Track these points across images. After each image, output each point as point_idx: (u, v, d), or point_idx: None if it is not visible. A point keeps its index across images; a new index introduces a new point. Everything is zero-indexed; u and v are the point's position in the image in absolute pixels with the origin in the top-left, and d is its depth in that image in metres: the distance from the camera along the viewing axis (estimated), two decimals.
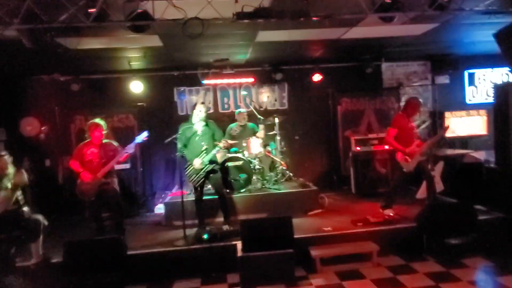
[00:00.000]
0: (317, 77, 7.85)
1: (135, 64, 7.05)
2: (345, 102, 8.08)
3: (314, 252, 4.77)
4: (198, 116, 5.21)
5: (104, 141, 5.30)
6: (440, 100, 8.32)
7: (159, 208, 6.92)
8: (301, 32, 5.18)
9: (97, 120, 5.31)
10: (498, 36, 5.16)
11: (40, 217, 4.48)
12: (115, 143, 5.43)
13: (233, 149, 6.65)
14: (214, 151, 5.11)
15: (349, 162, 7.52)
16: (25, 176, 4.04)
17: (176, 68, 7.58)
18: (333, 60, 7.82)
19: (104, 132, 5.27)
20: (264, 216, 5.72)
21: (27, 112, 7.36)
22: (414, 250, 4.94)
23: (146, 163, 7.70)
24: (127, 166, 7.22)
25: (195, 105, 5.38)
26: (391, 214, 5.52)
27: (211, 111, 7.91)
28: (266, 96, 8.12)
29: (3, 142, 7.10)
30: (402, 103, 7.98)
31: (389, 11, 3.38)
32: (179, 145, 5.22)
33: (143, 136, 5.25)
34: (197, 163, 5.13)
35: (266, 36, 5.30)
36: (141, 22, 3.31)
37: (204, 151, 5.14)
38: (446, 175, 6.51)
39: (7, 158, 4.24)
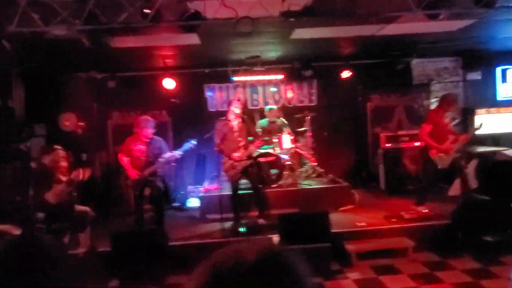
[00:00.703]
0: (346, 74, 7.86)
1: (169, 62, 7.23)
2: (374, 98, 8.08)
3: (350, 247, 4.85)
4: (234, 113, 5.33)
5: (153, 137, 5.42)
6: (471, 97, 8.21)
7: (192, 202, 7.11)
8: (337, 29, 5.24)
9: (147, 117, 5.46)
10: None
11: (88, 209, 4.70)
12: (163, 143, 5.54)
13: (265, 146, 6.76)
14: (251, 147, 5.23)
15: (378, 159, 7.54)
16: (81, 174, 4.25)
17: (207, 65, 7.73)
18: (363, 56, 7.81)
19: (153, 129, 5.39)
20: (297, 211, 5.81)
21: (66, 108, 7.63)
22: (449, 247, 4.96)
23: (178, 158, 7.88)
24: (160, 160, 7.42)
25: (231, 101, 5.52)
26: (426, 211, 5.54)
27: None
28: (291, 93, 8.18)
29: (43, 137, 7.41)
30: (433, 100, 7.95)
31: (436, 8, 3.41)
32: (216, 140, 5.37)
33: (191, 143, 5.39)
34: (235, 158, 5.27)
35: (302, 33, 5.37)
36: (195, 22, 3.45)
37: (242, 147, 5.28)
38: (479, 172, 6.46)
39: (61, 152, 4.46)
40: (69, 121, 7.71)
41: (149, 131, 5.39)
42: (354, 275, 4.52)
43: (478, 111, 7.84)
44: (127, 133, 7.10)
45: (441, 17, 3.54)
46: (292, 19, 3.41)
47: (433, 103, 7.83)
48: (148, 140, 5.41)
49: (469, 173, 5.96)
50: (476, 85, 8.26)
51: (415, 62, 8.19)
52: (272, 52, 6.92)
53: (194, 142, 5.39)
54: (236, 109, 5.33)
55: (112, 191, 7.41)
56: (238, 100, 5.82)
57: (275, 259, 0.68)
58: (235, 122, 5.38)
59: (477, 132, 5.72)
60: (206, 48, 6.09)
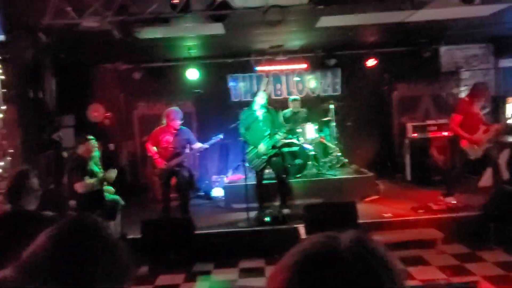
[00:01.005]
0: (371, 62, 7.72)
1: (193, 52, 7.26)
2: (401, 87, 7.90)
3: (376, 238, 4.79)
4: (260, 103, 5.33)
5: (180, 128, 5.49)
6: (502, 84, 7.92)
7: (216, 192, 7.19)
8: (364, 16, 5.13)
9: (176, 108, 5.53)
10: None
11: (117, 197, 4.82)
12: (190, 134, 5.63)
13: (289, 136, 6.73)
14: (276, 137, 5.23)
15: (404, 149, 7.40)
16: (114, 174, 4.36)
17: (230, 55, 7.73)
18: (389, 44, 7.63)
19: (181, 120, 5.46)
20: (322, 201, 5.79)
21: (93, 99, 7.80)
22: (479, 239, 4.85)
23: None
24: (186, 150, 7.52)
25: (256, 92, 5.51)
26: (454, 202, 5.43)
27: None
28: (313, 82, 8.09)
29: (72, 127, 7.60)
30: (462, 88, 7.71)
31: None
32: (242, 130, 5.39)
33: (217, 138, 5.45)
34: (261, 147, 5.28)
35: (328, 21, 5.29)
36: (224, 11, 3.45)
37: (267, 136, 5.28)
38: (511, 163, 6.27)
39: (93, 142, 4.57)
40: (97, 112, 7.90)
41: (178, 122, 5.47)
42: None
43: (510, 99, 7.57)
44: (153, 123, 7.22)
45: (477, 1, 3.41)
46: (321, 7, 3.36)
47: (463, 92, 7.61)
48: (176, 131, 5.49)
49: (501, 164, 5.77)
50: (508, 72, 7.95)
51: (443, 49, 7.95)
52: (296, 41, 6.85)
53: (221, 136, 5.45)
54: (261, 99, 5.32)
55: (138, 180, 7.57)
56: (264, 90, 5.80)
57: (367, 246, 0.69)
58: (260, 112, 5.37)
59: (509, 121, 5.52)
60: (230, 38, 6.08)
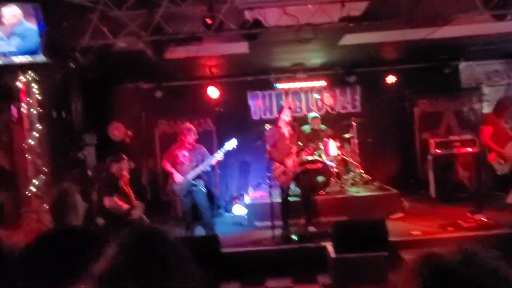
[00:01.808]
0: (391, 79, 7.73)
1: (214, 71, 7.37)
2: (422, 103, 7.87)
3: (406, 256, 4.69)
4: (285, 120, 5.35)
5: (196, 145, 5.57)
6: None
7: (237, 209, 7.15)
8: (387, 33, 5.17)
9: (189, 125, 5.61)
10: None
11: (143, 215, 4.83)
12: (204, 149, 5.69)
13: (317, 152, 6.69)
14: (303, 154, 5.22)
15: (428, 166, 7.30)
16: (140, 212, 4.42)
17: (250, 74, 7.82)
18: (408, 61, 7.66)
19: (195, 137, 5.55)
20: (349, 219, 5.71)
21: (115, 118, 7.92)
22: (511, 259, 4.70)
23: (222, 165, 7.98)
24: (208, 168, 7.53)
25: (282, 109, 5.54)
26: (484, 219, 5.30)
27: None
28: (331, 99, 8.08)
29: (94, 145, 7.70)
30: (484, 104, 7.65)
31: (505, 8, 3.30)
32: (268, 147, 5.39)
33: (232, 144, 5.49)
34: (288, 163, 5.26)
35: (351, 39, 5.34)
36: (257, 30, 3.51)
37: (293, 154, 5.27)
38: None
39: (126, 162, 4.62)
40: (117, 130, 8.00)
41: (192, 138, 5.53)
42: None
43: None
44: (174, 141, 7.28)
45: (509, 18, 3.41)
46: (351, 24, 3.39)
47: (485, 107, 7.54)
48: (191, 147, 5.55)
49: None
50: None
51: (463, 65, 7.94)
52: (317, 59, 6.92)
53: (235, 141, 5.45)
54: (286, 116, 5.34)
55: (159, 197, 7.58)
56: (290, 108, 5.83)
57: (480, 258, 0.71)
58: (285, 129, 5.38)
59: None
60: (252, 56, 6.17)
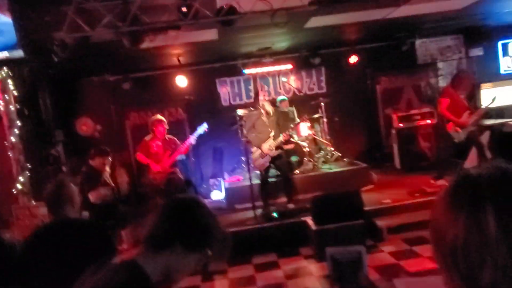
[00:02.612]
0: (353, 59, 8.05)
1: (181, 59, 7.35)
2: (383, 81, 8.28)
3: (380, 223, 5.07)
4: (262, 103, 5.51)
5: (167, 137, 5.67)
6: (475, 72, 8.44)
7: (216, 195, 7.29)
8: (350, 15, 5.41)
9: (159, 116, 5.70)
10: None
11: (128, 207, 4.87)
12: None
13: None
14: (280, 138, 5.41)
15: (392, 139, 7.76)
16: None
17: (218, 60, 7.87)
18: (368, 40, 8.00)
19: (166, 127, 5.64)
20: (328, 193, 5.99)
21: (82, 113, 7.74)
22: None
23: (195, 153, 8.05)
24: (182, 157, 7.58)
25: (257, 93, 5.69)
26: (446, 184, 5.76)
27: (252, 100, 8.19)
28: (299, 82, 8.33)
29: (61, 142, 7.51)
30: (441, 77, 8.18)
31: None
32: (245, 131, 5.54)
33: (203, 127, 5.64)
34: (265, 147, 5.44)
35: (316, 21, 5.53)
36: (234, 17, 3.60)
37: (271, 137, 5.45)
38: (491, 144, 6.70)
39: (109, 156, 4.61)
40: (86, 126, 7.83)
41: (163, 128, 5.63)
42: (388, 248, 4.74)
43: (483, 85, 8.09)
44: (146, 132, 7.26)
45: None
46: (316, 7, 3.56)
47: (440, 81, 8.07)
48: (162, 137, 5.65)
49: (484, 144, 6.18)
50: (479, 61, 8.49)
51: (418, 42, 8.40)
52: (282, 42, 7.07)
53: (205, 125, 5.63)
54: (263, 100, 5.50)
55: (135, 190, 7.56)
56: (262, 90, 5.97)
57: None
58: (264, 113, 5.54)
59: (490, 106, 5.94)
60: (221, 43, 6.23)
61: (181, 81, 7.78)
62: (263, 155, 5.47)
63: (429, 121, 7.29)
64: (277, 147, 5.49)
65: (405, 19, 6.59)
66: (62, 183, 2.53)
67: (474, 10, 6.48)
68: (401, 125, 7.43)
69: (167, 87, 7.85)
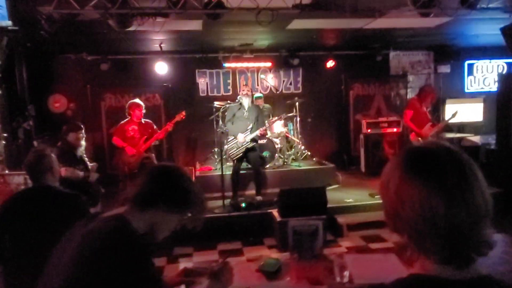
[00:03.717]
0: (330, 63, 8.37)
1: (163, 46, 7.39)
2: (356, 87, 8.65)
3: (341, 220, 5.38)
4: (243, 97, 5.69)
5: (143, 120, 5.75)
6: (442, 88, 8.98)
7: None
8: (331, 21, 5.67)
9: (137, 100, 5.77)
10: (505, 31, 5.78)
11: (99, 186, 4.92)
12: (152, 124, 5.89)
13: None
14: (256, 132, 5.60)
15: (359, 144, 8.13)
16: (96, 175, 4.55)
17: (199, 51, 7.97)
18: (346, 47, 8.34)
19: (143, 111, 5.72)
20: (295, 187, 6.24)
21: (56, 90, 7.63)
22: None
23: (169, 140, 8.13)
24: (156, 142, 7.64)
25: (241, 87, 5.87)
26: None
27: (230, 93, 8.36)
28: (276, 80, 8.57)
29: (32, 117, 7.38)
30: (410, 90, 8.63)
31: (429, 7, 3.92)
32: (221, 122, 5.71)
33: (181, 115, 5.78)
34: (240, 138, 5.63)
35: (298, 24, 5.76)
36: (221, 11, 3.75)
37: (249, 130, 5.64)
38: None
39: (83, 131, 4.63)
40: (58, 103, 7.74)
41: (140, 113, 5.72)
42: (346, 243, 5.06)
43: (448, 100, 8.63)
44: (121, 115, 7.26)
45: (431, 16, 4.06)
46: (299, 11, 3.78)
47: (409, 93, 8.53)
48: (139, 121, 5.74)
49: None
50: (446, 77, 9.03)
51: (392, 54, 8.82)
52: (264, 40, 7.27)
53: (183, 113, 5.78)
54: (245, 94, 5.67)
55: (105, 171, 7.53)
56: (245, 85, 6.15)
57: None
58: (244, 106, 5.72)
59: (451, 120, 6.38)
60: (204, 34, 6.35)
61: (161, 67, 7.82)
62: (237, 146, 5.66)
63: (395, 129, 7.70)
64: (252, 140, 5.69)
65: (381, 31, 6.95)
66: (43, 152, 2.61)
67: (445, 29, 6.92)
68: (369, 130, 7.81)
69: (146, 72, 7.88)
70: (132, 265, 1.23)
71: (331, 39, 7.60)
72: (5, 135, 3.67)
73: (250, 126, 5.66)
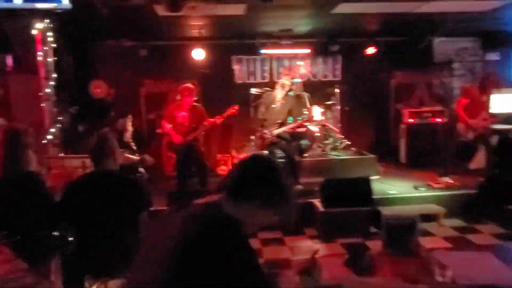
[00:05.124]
0: (371, 50, 8.07)
1: (201, 32, 7.32)
2: (398, 75, 8.33)
3: (385, 212, 5.20)
4: (283, 85, 5.56)
5: (194, 104, 5.68)
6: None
7: (221, 170, 7.40)
8: (379, 4, 5.43)
9: (189, 85, 5.68)
10: None
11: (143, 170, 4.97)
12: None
13: (290, 118, 6.99)
14: (283, 128, 5.48)
15: (400, 134, 7.86)
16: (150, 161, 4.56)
17: (235, 37, 7.86)
18: (388, 34, 8.01)
19: (194, 96, 5.65)
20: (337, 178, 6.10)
21: (96, 75, 7.73)
22: (476, 214, 5.35)
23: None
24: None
25: (282, 73, 5.74)
26: (451, 181, 5.92)
27: (266, 80, 8.23)
28: (308, 66, 8.35)
29: (77, 102, 7.51)
30: (454, 78, 8.25)
31: None
32: (260, 109, 5.61)
33: (233, 109, 5.68)
34: (268, 132, 5.54)
35: (344, 8, 5.55)
36: None
37: (278, 123, 5.53)
38: (497, 148, 6.83)
39: (130, 117, 4.67)
40: (99, 88, 7.84)
41: (191, 99, 5.64)
42: None
43: (495, 90, 8.17)
44: (160, 101, 7.29)
45: None
46: None
47: (454, 82, 8.15)
48: (190, 107, 5.66)
49: (492, 147, 6.31)
50: (494, 66, 8.54)
51: (437, 41, 8.41)
52: (305, 26, 7.07)
53: (236, 108, 5.68)
54: (283, 83, 5.54)
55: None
56: (287, 74, 5.99)
57: None
58: (280, 95, 5.59)
59: (501, 111, 6.04)
60: (245, 19, 6.23)
61: (198, 54, 7.76)
62: (262, 137, 5.56)
63: (439, 120, 7.39)
64: (278, 136, 5.58)
65: (427, 16, 6.61)
66: (106, 137, 2.61)
67: (498, 14, 6.51)
68: (411, 120, 7.52)
69: (183, 58, 7.83)
70: (237, 253, 1.19)
71: (373, 24, 7.31)
72: (60, 118, 3.72)
73: (280, 120, 5.53)
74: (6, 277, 1.64)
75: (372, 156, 6.94)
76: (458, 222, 5.27)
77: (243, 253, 1.22)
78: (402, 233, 2.32)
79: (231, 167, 1.45)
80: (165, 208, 4.78)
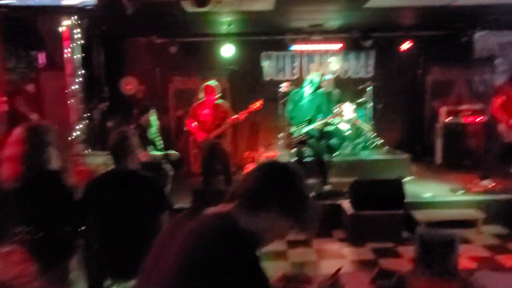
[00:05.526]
0: (406, 45, 7.71)
1: (229, 28, 7.25)
2: (435, 71, 7.92)
3: (419, 216, 4.94)
4: (309, 83, 5.40)
5: (217, 102, 5.64)
6: None
7: (248, 169, 7.31)
8: None
9: (212, 83, 5.65)
10: None
11: (168, 167, 4.95)
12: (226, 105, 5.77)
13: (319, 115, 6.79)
14: (311, 126, 5.31)
15: (436, 133, 7.48)
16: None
17: (264, 33, 7.74)
18: (425, 28, 7.63)
19: (218, 95, 5.61)
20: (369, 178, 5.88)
21: (127, 72, 7.83)
22: None
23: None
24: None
25: (310, 71, 5.58)
26: (492, 185, 5.55)
27: (296, 77, 8.06)
28: (340, 62, 8.08)
29: (107, 99, 7.66)
30: (497, 75, 7.76)
31: None
32: (288, 107, 5.48)
33: (256, 104, 5.60)
34: (295, 130, 5.39)
35: (378, 1, 5.30)
36: None
37: (306, 122, 5.37)
38: None
39: (154, 113, 4.67)
40: (130, 85, 7.95)
41: (214, 96, 5.60)
42: None
43: None
44: (188, 97, 7.27)
45: None
46: None
47: (496, 78, 7.65)
48: (213, 105, 5.62)
49: None
50: None
51: (478, 35, 7.92)
52: (336, 20, 6.83)
53: (259, 103, 5.59)
54: (312, 79, 5.37)
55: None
56: (317, 71, 5.82)
57: None
58: (308, 93, 5.43)
59: None
60: (275, 14, 6.08)
61: (227, 50, 7.69)
62: (289, 135, 5.42)
63: (479, 119, 6.96)
64: (307, 134, 5.42)
65: (469, 8, 6.21)
66: (126, 135, 2.57)
67: None
68: (448, 119, 7.13)
69: (212, 55, 7.80)
70: (241, 270, 1.08)
71: (409, 18, 6.96)
72: (86, 115, 3.75)
73: (308, 118, 5.36)
74: (15, 281, 1.61)
75: (405, 156, 6.63)
76: (498, 229, 4.92)
77: (253, 275, 1.10)
78: (439, 251, 2.11)
79: (244, 175, 1.30)
80: (187, 206, 4.75)
